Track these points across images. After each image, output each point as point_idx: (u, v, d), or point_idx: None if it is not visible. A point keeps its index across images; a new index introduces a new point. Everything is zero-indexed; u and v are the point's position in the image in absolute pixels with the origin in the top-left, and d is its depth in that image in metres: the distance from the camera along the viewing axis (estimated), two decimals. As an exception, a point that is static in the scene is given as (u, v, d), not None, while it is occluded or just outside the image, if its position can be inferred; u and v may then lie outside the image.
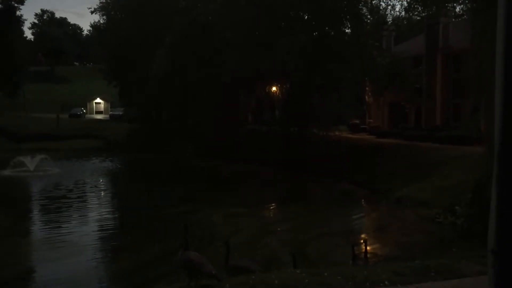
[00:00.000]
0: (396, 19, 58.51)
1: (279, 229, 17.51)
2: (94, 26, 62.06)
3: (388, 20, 52.77)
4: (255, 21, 31.95)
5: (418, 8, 34.25)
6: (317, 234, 16.31)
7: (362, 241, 10.63)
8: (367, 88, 36.78)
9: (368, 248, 9.88)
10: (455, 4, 31.54)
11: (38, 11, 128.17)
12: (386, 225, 18.25)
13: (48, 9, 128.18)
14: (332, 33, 33.24)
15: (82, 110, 74.96)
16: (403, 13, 41.26)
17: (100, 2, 53.81)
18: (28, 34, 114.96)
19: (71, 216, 20.38)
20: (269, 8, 31.37)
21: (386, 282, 4.97)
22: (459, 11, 33.45)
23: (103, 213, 20.95)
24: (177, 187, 27.02)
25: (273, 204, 23.85)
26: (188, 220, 17.06)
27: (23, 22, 72.61)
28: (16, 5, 64.59)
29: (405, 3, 34.89)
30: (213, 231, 16.83)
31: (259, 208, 21.16)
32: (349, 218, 20.20)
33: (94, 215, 20.43)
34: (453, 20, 34.67)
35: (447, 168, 22.15)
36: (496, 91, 2.43)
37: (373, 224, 19.33)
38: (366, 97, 39.27)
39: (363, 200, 24.32)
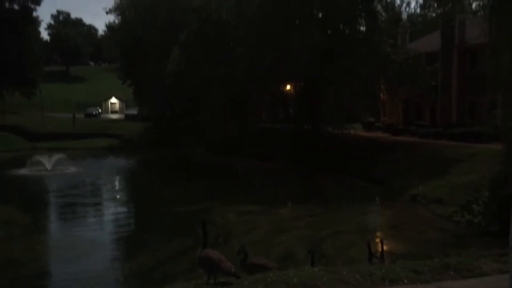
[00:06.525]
0: (411, 16, 57.99)
1: (294, 226, 17.49)
2: (109, 27, 62.55)
3: (403, 17, 52.44)
4: (268, 18, 31.90)
5: (434, 5, 34.11)
6: (332, 232, 16.28)
7: (378, 239, 10.59)
8: (381, 86, 36.47)
9: (384, 246, 9.83)
10: (471, 1, 31.33)
11: (54, 12, 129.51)
12: (401, 222, 18.14)
13: (64, 10, 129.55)
14: (347, 30, 33.04)
15: (97, 110, 75.59)
16: (418, 10, 40.80)
17: (115, 3, 54.37)
18: (44, 35, 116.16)
19: (88, 214, 20.64)
20: (282, 5, 31.28)
21: (405, 281, 4.96)
22: (475, 8, 33.22)
23: (119, 211, 21.18)
24: (191, 185, 27.16)
25: (287, 202, 23.85)
26: (202, 218, 17.16)
27: (40, 23, 73.32)
28: (32, 6, 65.40)
29: (420, 0, 34.46)
30: (228, 229, 16.89)
31: (274, 206, 21.14)
32: (364, 216, 20.12)
33: (111, 213, 20.66)
34: (470, 16, 34.37)
35: (463, 166, 21.93)
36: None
37: (388, 222, 19.22)
38: (381, 94, 38.98)
39: (378, 197, 24.20)
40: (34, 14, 66.67)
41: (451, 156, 23.78)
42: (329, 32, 33.02)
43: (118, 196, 25.91)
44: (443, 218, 17.56)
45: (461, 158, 22.97)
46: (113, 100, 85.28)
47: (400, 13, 47.48)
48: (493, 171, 16.50)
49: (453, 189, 19.42)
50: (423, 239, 15.40)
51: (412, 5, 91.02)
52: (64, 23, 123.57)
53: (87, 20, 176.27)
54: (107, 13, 55.32)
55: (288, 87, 37.44)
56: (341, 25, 33.35)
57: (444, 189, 19.89)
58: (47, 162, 32.42)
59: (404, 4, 52.91)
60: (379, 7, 34.39)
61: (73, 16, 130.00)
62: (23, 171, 31.33)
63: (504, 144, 15.43)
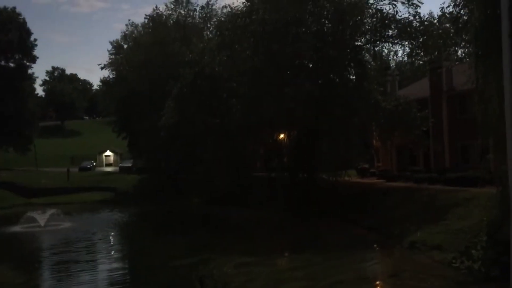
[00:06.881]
0: (399, 64, 59.48)
1: (292, 277, 17.18)
2: (104, 81, 63.65)
3: (392, 65, 53.76)
4: (261, 71, 32.60)
5: (420, 53, 35.06)
6: (331, 282, 15.97)
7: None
8: (374, 133, 36.91)
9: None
10: (456, 48, 32.27)
11: (49, 69, 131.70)
12: (401, 270, 17.84)
13: (59, 66, 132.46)
14: (337, 80, 33.75)
15: (92, 163, 75.57)
16: (405, 58, 41.93)
17: (110, 58, 55.67)
18: (40, 90, 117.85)
19: (82, 271, 20.21)
20: (274, 58, 32.05)
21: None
22: (461, 55, 34.18)
23: (114, 267, 20.79)
24: (187, 237, 26.86)
25: (284, 251, 23.54)
26: (200, 271, 16.93)
27: (35, 80, 74.52)
28: (28, 64, 66.72)
29: (407, 48, 35.47)
30: (226, 282, 16.57)
31: (271, 256, 20.83)
32: (363, 264, 19.82)
33: (105, 270, 20.27)
34: (456, 63, 35.32)
35: (460, 210, 21.87)
36: (507, 133, 2.51)
37: (388, 270, 18.91)
38: (374, 141, 39.35)
39: (376, 245, 23.93)
40: (30, 71, 68.00)
41: (447, 201, 23.76)
42: (320, 82, 33.71)
43: (113, 252, 25.49)
44: (443, 265, 17.34)
45: (458, 203, 22.94)
46: (108, 153, 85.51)
47: (388, 61, 48.78)
48: (490, 215, 16.47)
49: (452, 234, 19.29)
50: (425, 287, 15.14)
51: (400, 53, 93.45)
52: (59, 79, 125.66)
53: (82, 75, 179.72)
54: (102, 68, 56.51)
55: (282, 135, 37.80)
56: (331, 75, 34.10)
57: (443, 235, 19.75)
58: (40, 218, 32.06)
59: (392, 53, 54.55)
60: (367, 56, 35.21)
61: (68, 72, 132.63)
62: (16, 228, 30.91)
63: (499, 188, 15.47)
